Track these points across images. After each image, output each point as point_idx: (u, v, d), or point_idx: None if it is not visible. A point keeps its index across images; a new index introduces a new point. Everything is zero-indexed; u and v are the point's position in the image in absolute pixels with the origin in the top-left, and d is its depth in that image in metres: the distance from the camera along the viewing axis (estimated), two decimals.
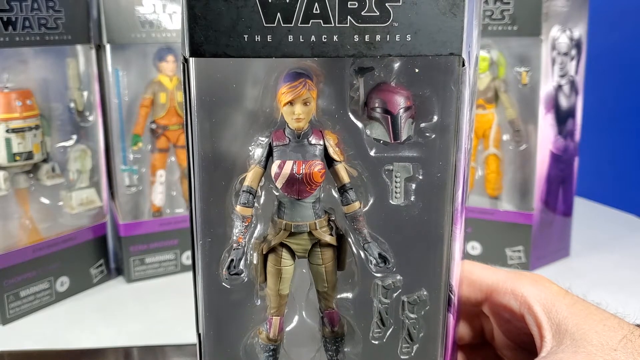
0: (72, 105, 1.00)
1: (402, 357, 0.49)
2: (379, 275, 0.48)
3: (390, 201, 0.47)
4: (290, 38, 0.42)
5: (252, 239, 0.49)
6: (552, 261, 1.11)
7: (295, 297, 0.52)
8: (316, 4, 0.42)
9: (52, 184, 0.97)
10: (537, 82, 1.00)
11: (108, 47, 0.98)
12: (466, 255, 0.65)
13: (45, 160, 0.97)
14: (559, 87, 1.04)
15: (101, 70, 1.01)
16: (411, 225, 0.47)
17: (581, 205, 1.32)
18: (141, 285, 1.06)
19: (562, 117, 1.06)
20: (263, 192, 0.49)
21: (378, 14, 0.42)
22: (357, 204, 0.48)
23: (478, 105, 1.08)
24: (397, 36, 0.42)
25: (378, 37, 0.42)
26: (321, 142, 0.47)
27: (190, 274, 0.50)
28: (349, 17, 0.42)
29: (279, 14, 0.42)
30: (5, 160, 0.91)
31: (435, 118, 0.46)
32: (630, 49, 1.57)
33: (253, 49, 0.42)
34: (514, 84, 1.04)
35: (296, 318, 0.53)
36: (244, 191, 0.47)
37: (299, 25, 0.42)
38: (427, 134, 0.46)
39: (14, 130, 0.90)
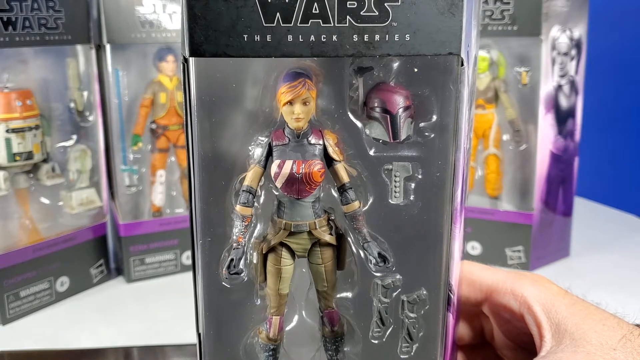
0: (72, 105, 1.00)
1: (401, 356, 0.49)
2: (378, 274, 0.49)
3: (390, 200, 0.47)
4: (290, 38, 0.42)
5: (252, 239, 0.49)
6: (552, 261, 1.11)
7: (295, 297, 0.52)
8: (315, 4, 0.42)
9: (52, 184, 0.97)
10: (537, 82, 1.00)
11: (108, 47, 0.98)
12: (466, 255, 0.65)
13: (45, 160, 0.97)
14: (559, 87, 1.04)
15: (101, 70, 1.01)
16: (410, 224, 0.47)
17: (581, 205, 1.32)
18: (141, 285, 1.06)
19: (562, 117, 1.06)
20: (263, 192, 0.49)
21: (377, 13, 0.42)
22: (356, 204, 0.48)
23: (478, 105, 1.08)
24: (396, 36, 0.42)
25: (377, 37, 0.42)
26: (321, 142, 0.47)
27: (190, 274, 0.50)
28: (348, 17, 0.42)
29: (278, 13, 0.42)
30: (5, 160, 0.91)
31: (434, 118, 0.46)
32: (630, 49, 1.57)
33: (253, 49, 0.42)
34: (514, 84, 1.04)
35: (296, 317, 0.53)
36: (243, 191, 0.47)
37: (298, 25, 0.42)
38: (426, 134, 0.46)
39: (14, 130, 0.90)
